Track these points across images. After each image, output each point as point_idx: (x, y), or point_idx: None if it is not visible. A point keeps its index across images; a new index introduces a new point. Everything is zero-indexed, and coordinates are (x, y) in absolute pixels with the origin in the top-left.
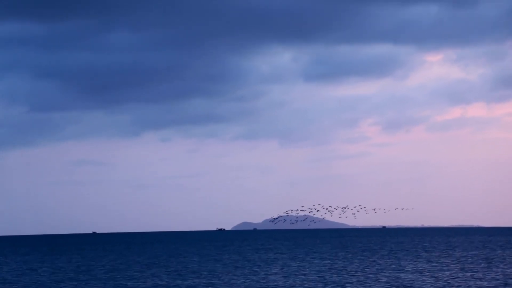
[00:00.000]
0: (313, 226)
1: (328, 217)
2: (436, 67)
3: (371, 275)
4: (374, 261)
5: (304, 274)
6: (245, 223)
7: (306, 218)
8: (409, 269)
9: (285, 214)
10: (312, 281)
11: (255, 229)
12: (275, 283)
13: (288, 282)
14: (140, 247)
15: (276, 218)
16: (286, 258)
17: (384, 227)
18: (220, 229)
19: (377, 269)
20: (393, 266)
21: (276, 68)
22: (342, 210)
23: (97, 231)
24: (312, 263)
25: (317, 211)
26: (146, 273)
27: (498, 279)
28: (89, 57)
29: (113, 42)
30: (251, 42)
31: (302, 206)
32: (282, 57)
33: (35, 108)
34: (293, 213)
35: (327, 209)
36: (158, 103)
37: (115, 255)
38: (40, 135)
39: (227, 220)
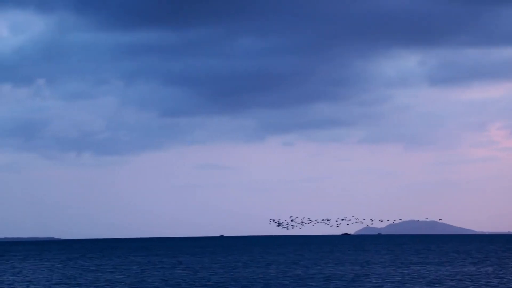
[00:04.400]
0: (438, 231)
1: (454, 222)
2: None
3: None
4: None
5: None
6: (367, 228)
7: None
8: None
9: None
10: None
11: (379, 234)
12: None
13: None
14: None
15: (281, 223)
16: None
17: None
18: (346, 234)
19: None
20: None
21: (402, 72)
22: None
23: (224, 234)
24: None
25: (294, 222)
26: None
27: None
28: (216, 63)
29: (240, 48)
30: (377, 46)
31: (290, 217)
32: (408, 61)
33: (164, 113)
34: (289, 220)
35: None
36: (282, 107)
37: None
38: (168, 139)
39: (350, 224)
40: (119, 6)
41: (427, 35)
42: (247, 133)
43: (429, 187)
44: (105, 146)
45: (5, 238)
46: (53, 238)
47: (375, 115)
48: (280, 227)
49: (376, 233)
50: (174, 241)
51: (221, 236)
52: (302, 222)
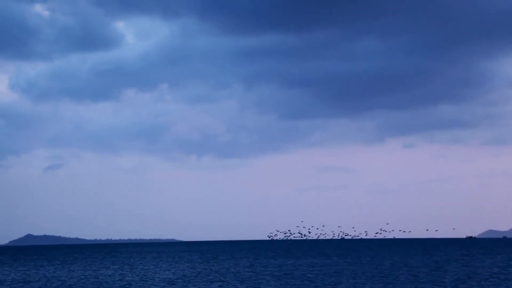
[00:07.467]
0: None
1: None
2: None
3: None
4: None
5: None
6: (491, 231)
7: None
8: None
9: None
10: None
11: (504, 237)
12: None
13: None
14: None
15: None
16: None
17: None
18: (470, 237)
19: None
20: None
21: None
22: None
23: (345, 237)
24: None
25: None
26: None
27: None
28: (336, 65)
29: (360, 50)
30: (502, 45)
31: (297, 226)
32: None
33: (284, 116)
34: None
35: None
36: (403, 109)
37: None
38: (288, 141)
39: (472, 227)
40: (241, 11)
41: None
42: (366, 135)
43: None
44: (226, 148)
45: (129, 239)
46: (173, 239)
47: (500, 116)
48: (279, 237)
49: (501, 236)
50: (294, 243)
51: (342, 239)
52: (305, 233)
